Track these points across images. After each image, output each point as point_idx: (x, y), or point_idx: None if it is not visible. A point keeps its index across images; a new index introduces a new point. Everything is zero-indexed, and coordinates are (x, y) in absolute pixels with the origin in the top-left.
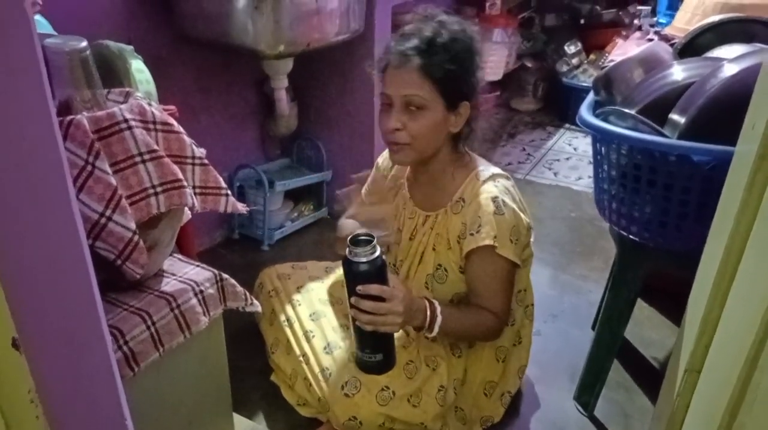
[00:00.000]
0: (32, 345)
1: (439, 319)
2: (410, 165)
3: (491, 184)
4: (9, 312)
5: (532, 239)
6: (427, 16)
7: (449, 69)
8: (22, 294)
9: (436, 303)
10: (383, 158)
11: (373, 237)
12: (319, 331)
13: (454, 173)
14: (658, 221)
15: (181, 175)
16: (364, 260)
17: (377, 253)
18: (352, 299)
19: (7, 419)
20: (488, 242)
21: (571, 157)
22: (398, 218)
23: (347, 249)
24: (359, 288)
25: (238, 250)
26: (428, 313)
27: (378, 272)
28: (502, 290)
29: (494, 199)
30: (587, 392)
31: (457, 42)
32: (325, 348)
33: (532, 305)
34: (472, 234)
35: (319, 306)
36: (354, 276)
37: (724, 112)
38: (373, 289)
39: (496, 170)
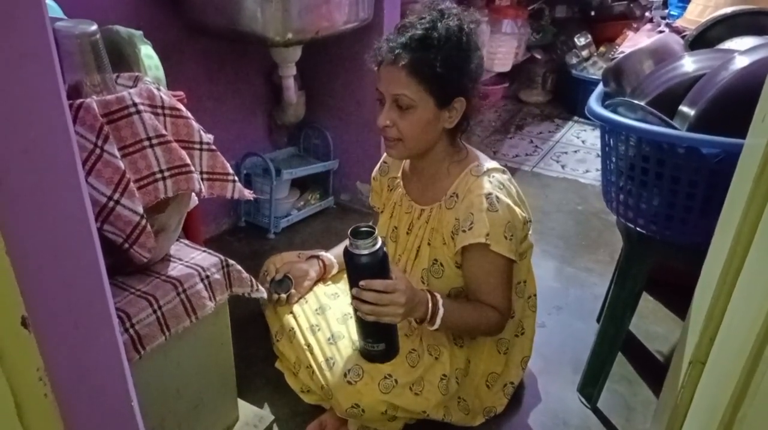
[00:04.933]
0: (41, 325)
1: (441, 312)
2: (406, 159)
3: (485, 179)
4: (19, 291)
5: (530, 232)
6: (430, 6)
7: (438, 68)
8: (32, 275)
9: (438, 296)
10: (378, 166)
11: (374, 229)
12: (323, 322)
13: (450, 168)
14: (665, 214)
15: (188, 160)
16: (365, 252)
17: (378, 244)
18: (354, 291)
19: (16, 396)
20: (480, 239)
21: (579, 150)
22: (394, 214)
23: (348, 241)
24: (362, 283)
25: (244, 237)
26: (430, 305)
27: (379, 264)
28: (500, 285)
29: (488, 196)
30: (591, 385)
31: (451, 39)
32: (329, 339)
33: (535, 295)
34: (464, 230)
35: (324, 299)
36: (355, 268)
37: (734, 105)
38: (376, 284)
39: (492, 164)
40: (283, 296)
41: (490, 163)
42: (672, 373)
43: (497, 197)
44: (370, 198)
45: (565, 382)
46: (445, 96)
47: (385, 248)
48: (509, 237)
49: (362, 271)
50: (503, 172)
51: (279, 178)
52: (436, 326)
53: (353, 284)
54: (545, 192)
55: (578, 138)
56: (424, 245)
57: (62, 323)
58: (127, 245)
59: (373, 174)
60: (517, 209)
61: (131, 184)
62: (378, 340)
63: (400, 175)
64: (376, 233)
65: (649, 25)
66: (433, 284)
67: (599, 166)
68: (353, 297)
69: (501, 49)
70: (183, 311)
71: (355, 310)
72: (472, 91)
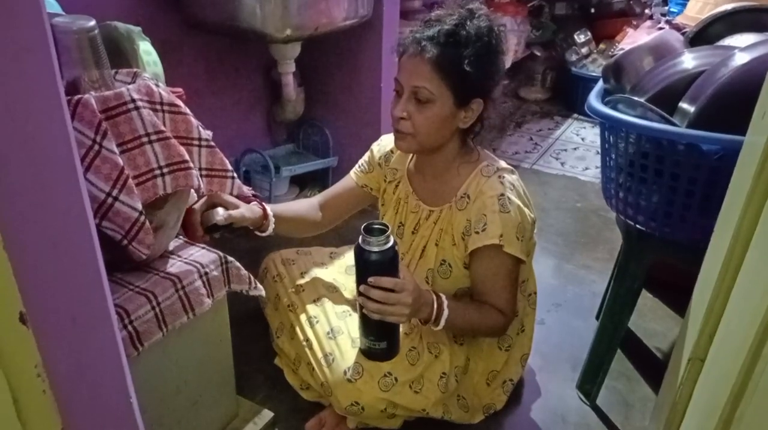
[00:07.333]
0: (39, 321)
1: (445, 313)
2: (414, 155)
3: (496, 180)
4: (17, 288)
5: (535, 231)
6: (459, 4)
7: (464, 66)
8: (30, 271)
9: (444, 297)
10: (379, 146)
11: (387, 227)
12: (322, 316)
13: (459, 168)
14: (665, 211)
15: (187, 157)
16: (376, 249)
17: (390, 243)
18: (362, 288)
19: (14, 392)
20: (495, 241)
21: (578, 148)
22: (399, 212)
23: (360, 237)
24: (371, 279)
25: (242, 234)
26: (435, 306)
27: (390, 263)
28: (508, 287)
29: (500, 197)
30: (589, 382)
31: (479, 40)
32: (328, 333)
33: (535, 293)
34: (477, 232)
35: (323, 291)
36: (365, 265)
37: (734, 102)
38: (385, 281)
39: (501, 164)
40: (216, 236)
41: (499, 163)
42: (671, 370)
43: (509, 199)
44: (360, 174)
45: (564, 379)
46: (465, 95)
47: (396, 247)
48: (520, 238)
49: (371, 268)
50: (512, 172)
51: (278, 175)
52: (440, 327)
53: (361, 280)
54: (544, 189)
55: (578, 135)
56: (431, 245)
57: (61, 319)
58: (125, 242)
59: (377, 156)
60: (526, 210)
61: (130, 180)
62: (380, 338)
63: (405, 172)
64: (390, 230)
65: (648, 22)
66: (440, 284)
67: (599, 164)
68: (360, 293)
69: None
70: (181, 307)
71: (361, 307)
72: (491, 94)
